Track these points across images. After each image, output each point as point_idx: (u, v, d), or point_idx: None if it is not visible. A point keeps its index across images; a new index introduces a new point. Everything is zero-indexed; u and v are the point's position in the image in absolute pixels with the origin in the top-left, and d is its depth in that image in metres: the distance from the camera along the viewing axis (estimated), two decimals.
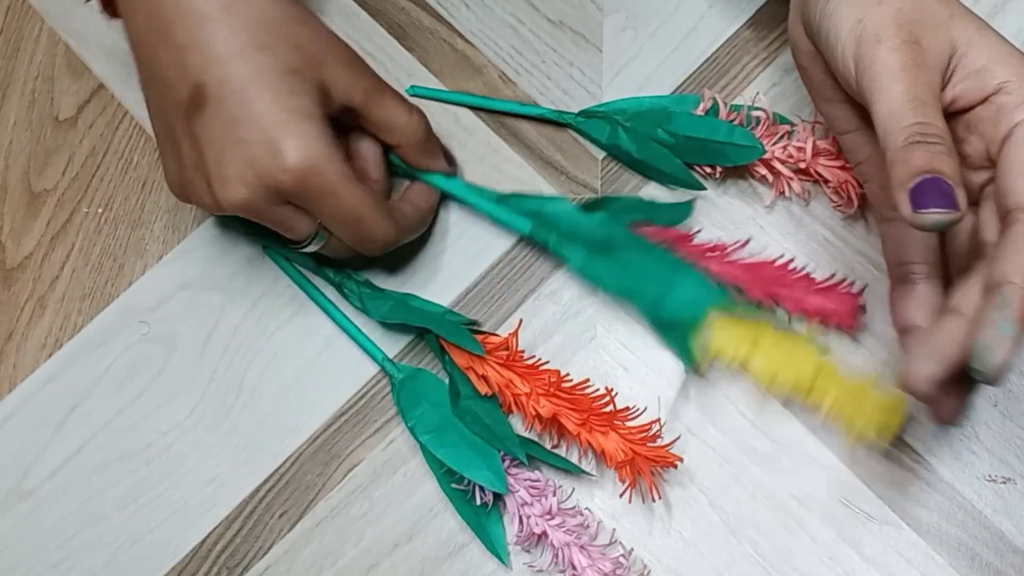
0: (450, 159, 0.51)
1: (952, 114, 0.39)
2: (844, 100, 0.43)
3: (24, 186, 0.53)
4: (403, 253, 0.50)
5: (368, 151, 0.48)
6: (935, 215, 0.34)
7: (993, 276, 0.35)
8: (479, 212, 0.50)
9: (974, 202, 0.40)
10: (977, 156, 0.39)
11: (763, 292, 0.47)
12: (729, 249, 0.48)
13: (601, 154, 0.51)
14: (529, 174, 0.51)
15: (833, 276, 0.47)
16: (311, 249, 0.46)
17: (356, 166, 0.47)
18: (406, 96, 0.48)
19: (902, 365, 0.37)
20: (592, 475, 0.47)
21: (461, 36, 0.53)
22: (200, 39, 0.41)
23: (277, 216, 0.44)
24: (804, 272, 0.48)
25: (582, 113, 0.51)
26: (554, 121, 0.51)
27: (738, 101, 0.50)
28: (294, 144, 0.41)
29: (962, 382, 0.38)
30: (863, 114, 0.42)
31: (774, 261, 0.48)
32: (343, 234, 0.45)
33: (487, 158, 0.52)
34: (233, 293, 0.51)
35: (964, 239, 0.41)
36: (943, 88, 0.38)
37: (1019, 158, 0.37)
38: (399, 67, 0.53)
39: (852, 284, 0.47)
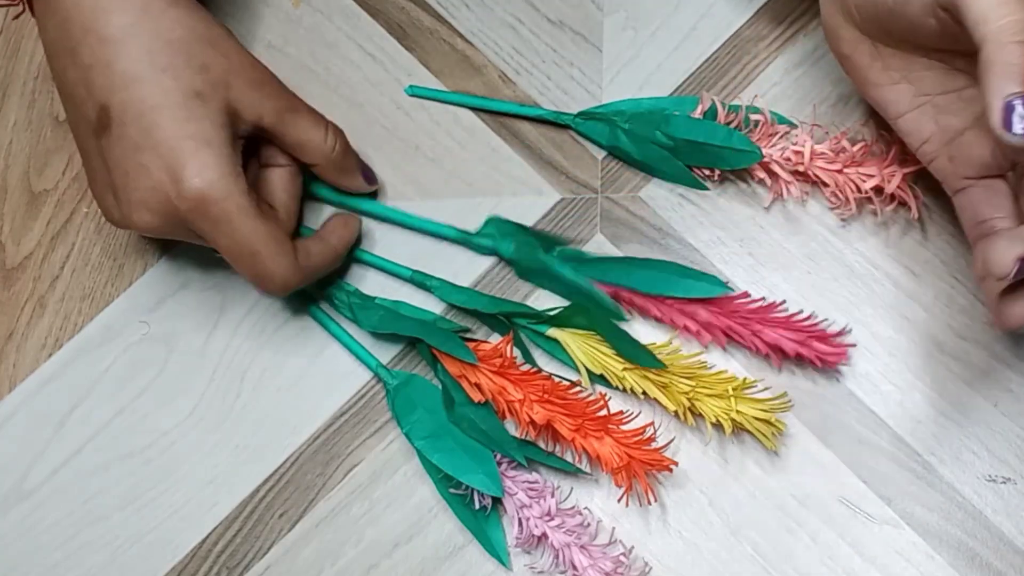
0: (370, 177, 0.50)
1: None
2: (896, 80, 0.42)
3: (24, 186, 0.53)
4: (404, 251, 0.50)
5: (279, 182, 0.47)
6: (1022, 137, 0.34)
7: None
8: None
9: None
10: None
11: (743, 329, 0.47)
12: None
13: (601, 154, 0.51)
14: (529, 174, 0.51)
15: (814, 316, 0.47)
16: None
17: (263, 196, 0.46)
18: (320, 115, 0.47)
19: (983, 252, 0.37)
20: (590, 474, 0.47)
21: (461, 36, 0.53)
22: (104, 60, 0.41)
23: (188, 237, 0.44)
24: (787, 313, 0.47)
25: (581, 114, 0.51)
26: (553, 122, 0.51)
27: (736, 102, 0.49)
28: (191, 171, 0.41)
29: None
30: (921, 88, 0.42)
31: (752, 301, 0.48)
32: (239, 269, 0.44)
33: (487, 158, 0.52)
34: (233, 293, 0.51)
35: None
36: None
37: None
38: (399, 67, 0.53)
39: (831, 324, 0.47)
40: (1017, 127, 0.34)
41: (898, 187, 0.47)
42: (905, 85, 0.42)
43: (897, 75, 0.42)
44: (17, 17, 0.49)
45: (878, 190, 0.47)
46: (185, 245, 0.51)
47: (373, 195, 0.51)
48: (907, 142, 0.44)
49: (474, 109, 0.52)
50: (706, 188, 0.50)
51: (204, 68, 0.42)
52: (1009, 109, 0.34)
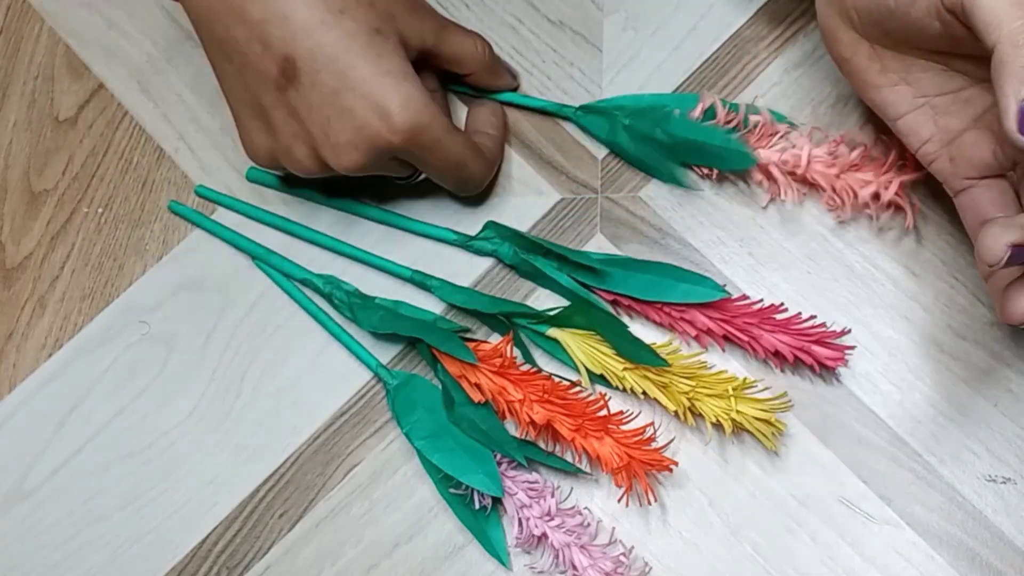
0: (513, 73, 0.52)
1: None
2: (895, 82, 0.42)
3: (24, 186, 0.53)
4: (403, 252, 0.50)
5: (434, 85, 0.49)
6: None
7: None
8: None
9: None
10: None
11: (742, 332, 0.47)
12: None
13: (601, 154, 0.51)
14: (529, 174, 0.51)
15: (815, 318, 0.47)
16: (418, 180, 0.49)
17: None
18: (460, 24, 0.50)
19: (979, 239, 0.37)
20: (590, 474, 0.47)
21: None
22: (278, 12, 0.42)
23: (386, 169, 0.46)
24: (788, 314, 0.47)
25: (582, 108, 0.51)
26: (555, 114, 0.51)
27: (736, 101, 0.49)
28: (399, 106, 0.43)
29: None
30: (920, 89, 0.42)
31: (753, 304, 0.47)
32: (446, 180, 0.47)
33: None
34: (233, 293, 0.51)
35: None
36: None
37: None
38: None
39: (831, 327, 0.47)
40: None
41: (895, 195, 0.47)
42: (904, 87, 0.42)
43: (896, 77, 0.42)
44: None
45: (875, 196, 0.47)
46: (186, 245, 0.51)
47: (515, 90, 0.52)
48: (907, 143, 0.44)
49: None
50: (701, 190, 0.50)
51: (371, 5, 0.44)
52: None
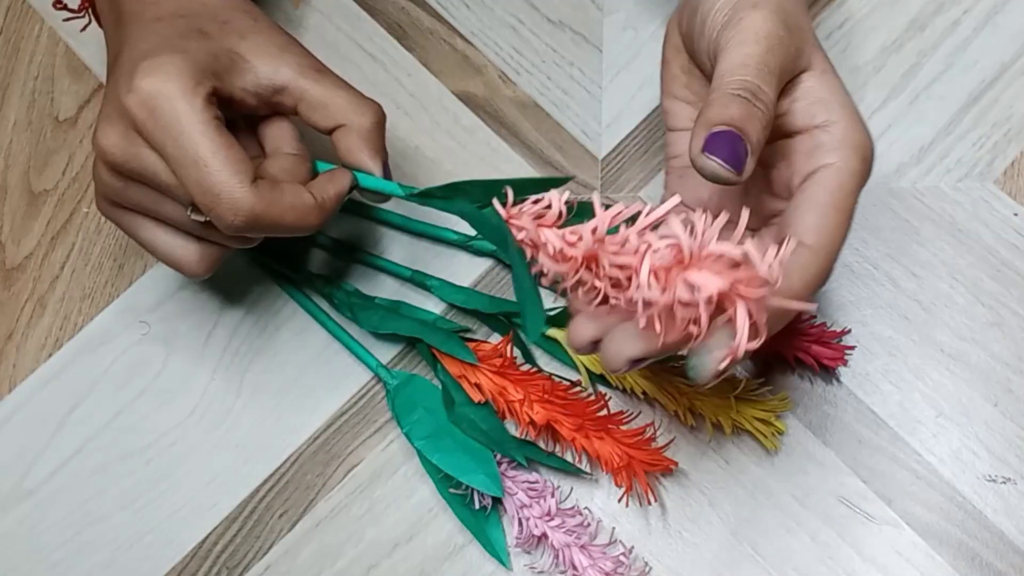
0: (388, 173, 0.43)
1: (776, 135, 0.39)
2: (688, 100, 0.43)
3: (24, 186, 0.53)
4: (403, 252, 0.50)
5: (278, 164, 0.42)
6: (716, 165, 0.35)
7: None
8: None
9: (757, 227, 0.41)
10: (780, 184, 0.40)
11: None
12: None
13: (601, 154, 0.51)
14: (529, 174, 0.51)
15: (815, 318, 0.47)
16: (198, 217, 0.40)
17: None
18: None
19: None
20: (590, 475, 0.47)
21: (461, 36, 0.53)
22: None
23: (140, 163, 0.39)
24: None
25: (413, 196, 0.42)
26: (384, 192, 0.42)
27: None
28: (146, 68, 0.38)
29: None
30: None
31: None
32: (185, 182, 0.38)
33: (487, 158, 0.52)
34: (233, 293, 0.51)
35: None
36: (782, 95, 0.39)
37: (815, 195, 0.37)
38: (399, 67, 0.53)
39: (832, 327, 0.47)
40: (711, 157, 0.35)
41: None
42: (692, 110, 0.43)
43: (691, 97, 0.43)
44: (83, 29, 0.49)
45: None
46: None
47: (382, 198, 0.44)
48: (666, 151, 0.45)
49: (473, 108, 0.52)
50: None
51: (224, 23, 0.41)
52: (712, 139, 0.35)
